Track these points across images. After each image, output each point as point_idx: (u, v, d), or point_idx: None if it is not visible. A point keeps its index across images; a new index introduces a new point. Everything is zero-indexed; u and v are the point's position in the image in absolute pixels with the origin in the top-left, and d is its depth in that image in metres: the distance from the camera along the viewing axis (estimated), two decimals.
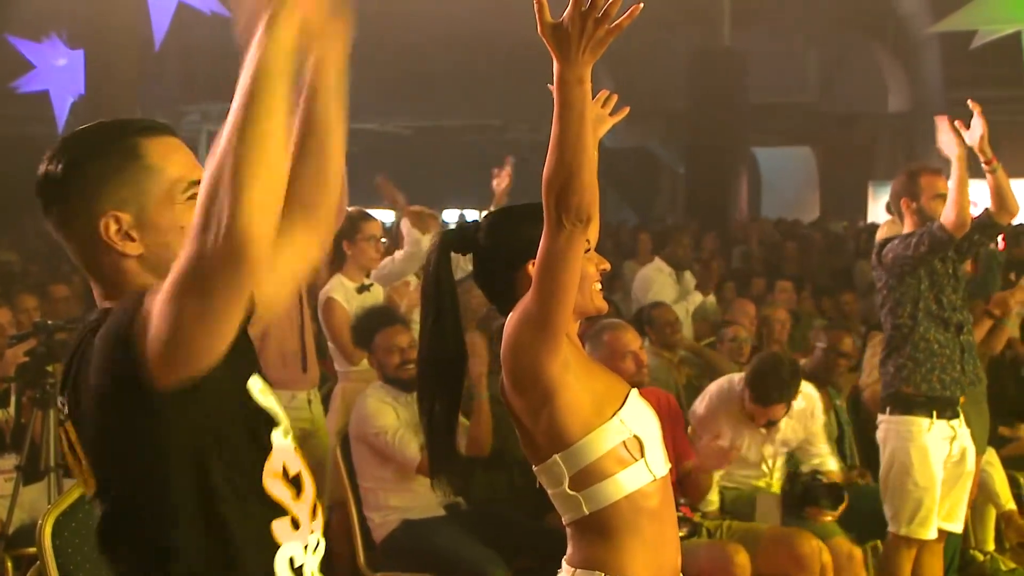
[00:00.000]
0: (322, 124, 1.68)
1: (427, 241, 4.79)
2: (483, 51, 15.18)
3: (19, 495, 3.95)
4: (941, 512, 4.02)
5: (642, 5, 1.72)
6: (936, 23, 11.60)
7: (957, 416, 4.03)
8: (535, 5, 1.73)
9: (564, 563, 2.06)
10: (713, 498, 4.24)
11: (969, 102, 3.96)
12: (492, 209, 3.79)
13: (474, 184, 10.21)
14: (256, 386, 1.58)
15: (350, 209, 4.46)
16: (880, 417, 4.11)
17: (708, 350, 5.86)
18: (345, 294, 4.71)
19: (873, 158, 17.35)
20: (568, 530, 2.06)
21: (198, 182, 1.55)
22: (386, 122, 18.20)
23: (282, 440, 1.59)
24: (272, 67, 1.31)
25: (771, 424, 4.34)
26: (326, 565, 1.66)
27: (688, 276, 7.10)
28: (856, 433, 4.93)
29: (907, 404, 3.99)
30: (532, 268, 1.97)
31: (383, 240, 4.96)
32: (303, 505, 1.60)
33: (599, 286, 2.11)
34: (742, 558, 3.71)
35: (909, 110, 15.78)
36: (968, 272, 4.36)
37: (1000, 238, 7.19)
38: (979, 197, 4.03)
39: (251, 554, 1.53)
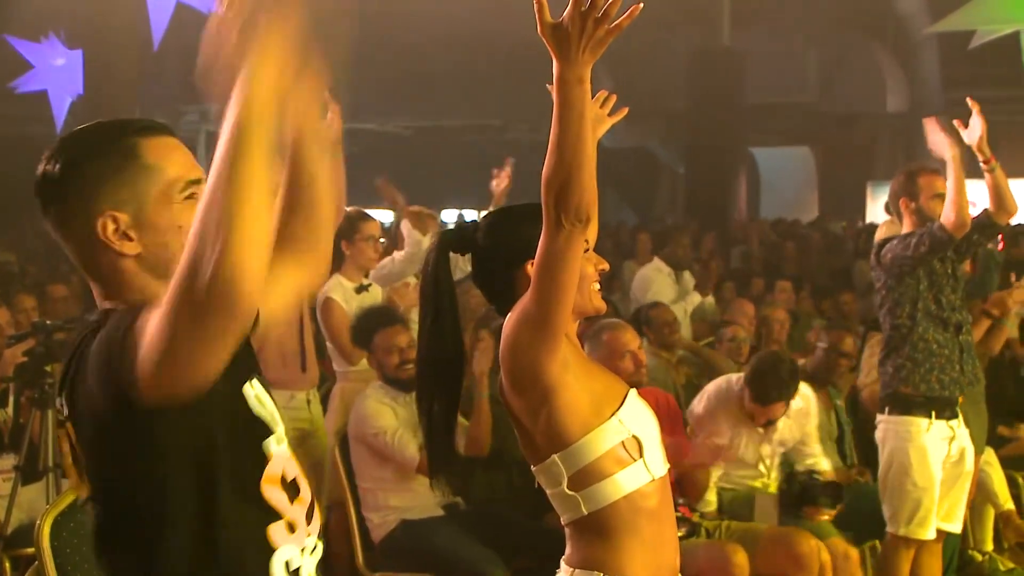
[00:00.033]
0: (308, 178, 1.71)
1: (428, 242, 4.79)
2: (483, 51, 15.17)
3: (17, 495, 3.94)
4: (940, 512, 4.02)
5: (642, 5, 1.73)
6: (935, 23, 11.60)
7: (956, 416, 4.03)
8: (535, 5, 1.73)
9: (563, 563, 2.06)
10: (711, 498, 4.24)
11: (968, 101, 3.96)
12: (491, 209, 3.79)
13: (473, 184, 10.20)
14: (253, 392, 1.59)
15: (349, 209, 4.46)
16: (879, 417, 4.11)
17: (707, 349, 5.86)
18: (344, 294, 4.70)
19: (872, 158, 17.36)
20: (567, 530, 2.06)
21: (196, 181, 1.56)
22: (386, 122, 18.20)
23: (276, 447, 1.60)
24: (252, 119, 1.34)
25: (770, 423, 4.34)
26: (324, 565, 1.67)
27: (687, 276, 7.10)
28: (854, 433, 4.93)
29: (906, 404, 4.00)
30: (531, 268, 1.97)
31: (382, 240, 4.96)
32: (299, 508, 1.61)
33: (598, 286, 2.11)
34: (740, 558, 3.72)
35: (908, 110, 15.78)
36: (966, 272, 4.36)
37: (999, 238, 7.18)
38: (978, 197, 4.03)
39: (245, 559, 1.54)
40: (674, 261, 7.10)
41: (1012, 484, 5.08)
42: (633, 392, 2.10)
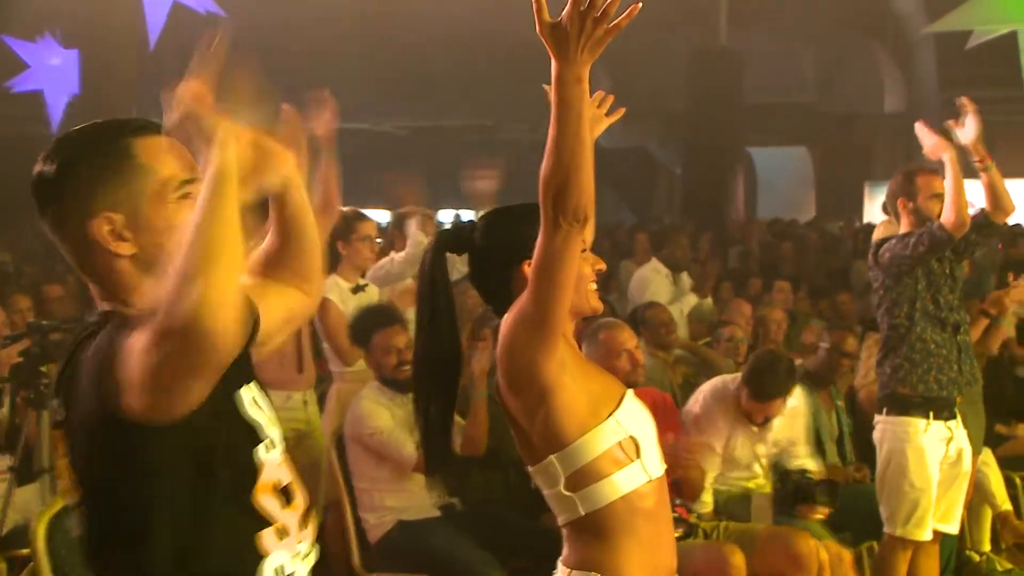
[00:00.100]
0: (296, 230, 1.77)
1: None
2: (482, 51, 15.15)
3: (13, 496, 3.94)
4: (937, 513, 4.02)
5: (640, 4, 1.73)
6: (932, 23, 11.60)
7: (954, 417, 4.03)
8: (534, 4, 1.73)
9: (560, 564, 2.05)
10: (707, 499, 4.24)
11: (963, 99, 3.96)
12: (476, 211, 3.79)
13: None
14: (247, 398, 1.59)
15: (345, 209, 4.45)
16: (877, 418, 4.11)
17: (705, 348, 5.85)
18: (340, 294, 4.70)
19: (870, 158, 17.37)
20: (564, 531, 2.05)
21: (191, 180, 1.56)
22: (385, 122, 18.19)
23: (266, 454, 1.61)
24: (221, 180, 1.44)
25: (767, 421, 4.34)
26: (321, 566, 1.67)
27: (685, 277, 7.10)
28: (851, 434, 4.93)
29: (904, 405, 3.99)
30: (528, 268, 1.97)
31: (378, 240, 4.95)
32: (293, 514, 1.61)
33: (595, 286, 2.11)
34: (738, 559, 3.71)
35: (906, 110, 15.79)
36: (965, 272, 4.36)
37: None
38: (975, 197, 4.03)
39: (234, 565, 1.55)
40: (672, 262, 7.10)
41: (1009, 485, 5.08)
42: (630, 393, 2.10)
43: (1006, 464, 5.10)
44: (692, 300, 6.88)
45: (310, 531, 1.66)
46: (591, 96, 2.02)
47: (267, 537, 1.57)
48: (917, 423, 3.96)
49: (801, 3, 14.65)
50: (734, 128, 14.57)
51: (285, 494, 1.61)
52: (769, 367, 4.26)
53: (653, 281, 6.98)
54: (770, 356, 4.37)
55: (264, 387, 1.69)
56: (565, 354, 2.00)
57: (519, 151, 9.89)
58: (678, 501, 3.90)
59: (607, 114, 2.32)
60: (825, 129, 17.21)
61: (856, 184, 16.52)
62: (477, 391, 3.91)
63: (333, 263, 4.75)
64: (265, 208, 1.76)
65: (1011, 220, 4.27)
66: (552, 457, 2.00)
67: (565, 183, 1.82)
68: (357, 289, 4.76)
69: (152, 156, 1.57)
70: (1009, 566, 4.87)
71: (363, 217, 4.86)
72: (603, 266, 2.13)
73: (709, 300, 7.03)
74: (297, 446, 4.27)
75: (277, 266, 1.77)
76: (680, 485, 3.99)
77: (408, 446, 3.84)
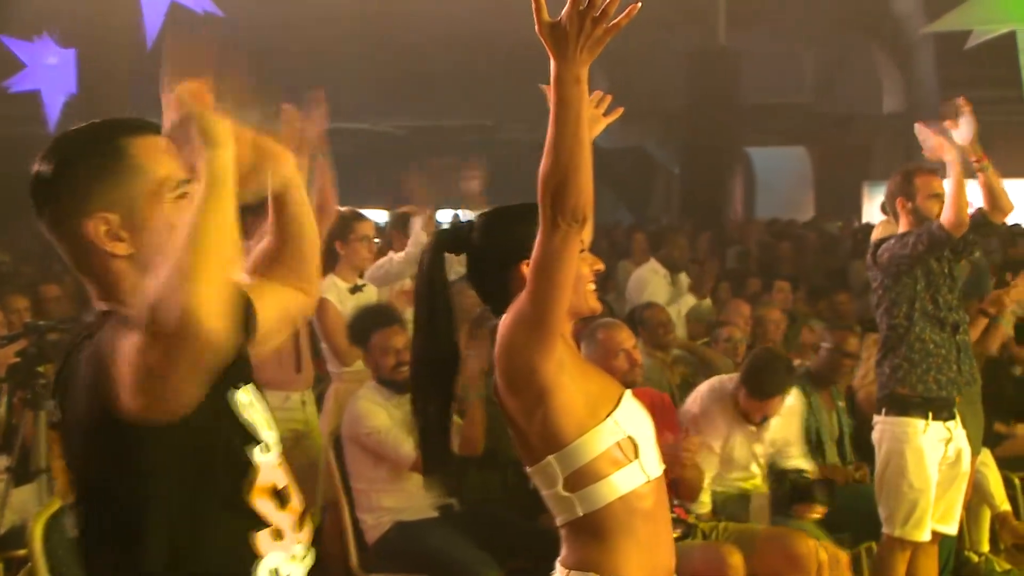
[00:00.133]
0: (296, 230, 1.78)
1: None
2: (482, 51, 15.15)
3: (9, 497, 3.93)
4: (936, 514, 4.01)
5: (639, 4, 1.72)
6: (931, 23, 11.60)
7: (953, 417, 4.02)
8: (533, 4, 1.73)
9: (558, 564, 2.05)
10: (706, 499, 4.23)
11: (960, 100, 3.95)
12: (465, 210, 3.78)
13: None
14: (244, 399, 1.59)
15: (343, 209, 4.45)
16: (876, 418, 4.10)
17: (704, 348, 5.85)
18: (338, 295, 4.69)
19: (868, 158, 17.36)
20: (562, 531, 2.05)
21: (188, 180, 1.56)
22: (385, 122, 18.18)
23: (261, 456, 1.60)
24: (217, 181, 1.46)
25: (765, 420, 4.34)
26: (319, 567, 1.67)
27: (683, 277, 7.09)
28: (851, 434, 4.93)
29: (903, 405, 3.99)
30: (526, 268, 1.96)
31: (376, 240, 4.94)
32: (288, 515, 1.61)
33: (593, 286, 2.11)
34: (736, 559, 3.71)
35: (904, 111, 15.78)
36: (963, 272, 4.36)
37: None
38: (973, 197, 4.03)
39: (228, 566, 1.55)
40: (670, 262, 7.09)
41: (1008, 485, 5.08)
42: (628, 393, 2.10)
43: (1005, 464, 5.10)
44: (690, 300, 6.87)
45: (306, 534, 1.66)
46: (589, 96, 2.02)
47: (262, 538, 1.57)
48: (916, 423, 3.96)
49: (800, 3, 14.64)
50: (733, 128, 14.57)
51: (281, 496, 1.62)
52: (767, 365, 4.27)
53: (651, 281, 6.98)
54: (768, 354, 4.38)
55: (262, 388, 1.69)
56: (563, 354, 2.00)
57: (519, 151, 9.90)
58: (676, 501, 3.90)
59: (605, 114, 2.32)
60: (824, 129, 17.20)
61: (855, 184, 16.51)
62: (475, 391, 3.91)
63: (331, 263, 4.74)
64: (265, 208, 1.77)
65: (1010, 220, 4.26)
66: (550, 457, 2.00)
67: (564, 183, 1.81)
68: (355, 289, 4.75)
69: (149, 156, 1.57)
70: (1008, 567, 4.87)
71: (361, 217, 4.85)
72: (601, 266, 2.13)
73: (707, 300, 7.03)
74: (295, 446, 4.26)
75: (276, 266, 1.78)
76: (678, 485, 3.99)
77: (406, 445, 3.84)
